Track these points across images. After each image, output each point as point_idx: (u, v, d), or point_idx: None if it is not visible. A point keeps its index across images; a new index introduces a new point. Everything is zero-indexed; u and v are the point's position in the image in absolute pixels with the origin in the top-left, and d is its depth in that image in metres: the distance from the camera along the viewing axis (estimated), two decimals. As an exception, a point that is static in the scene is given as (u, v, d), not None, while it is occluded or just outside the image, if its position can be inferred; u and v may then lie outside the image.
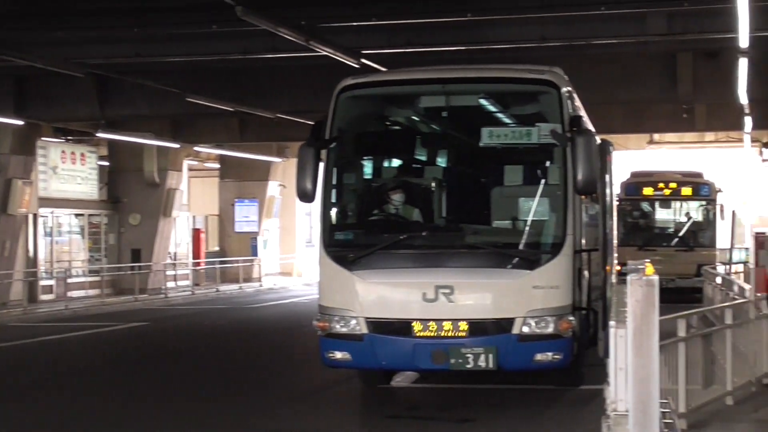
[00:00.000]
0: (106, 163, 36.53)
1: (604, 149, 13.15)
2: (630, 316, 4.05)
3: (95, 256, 35.19)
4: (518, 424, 11.25)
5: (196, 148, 37.36)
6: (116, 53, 21.70)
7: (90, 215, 34.99)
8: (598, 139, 13.25)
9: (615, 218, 20.37)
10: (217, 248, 42.59)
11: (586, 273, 12.89)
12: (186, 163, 38.67)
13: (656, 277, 4.23)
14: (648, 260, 5.24)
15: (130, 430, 11.33)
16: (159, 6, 19.43)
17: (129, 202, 35.66)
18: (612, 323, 5.70)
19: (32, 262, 31.64)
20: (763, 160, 38.08)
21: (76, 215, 34.38)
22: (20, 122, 27.31)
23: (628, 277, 4.14)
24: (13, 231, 30.38)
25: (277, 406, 12.61)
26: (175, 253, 39.02)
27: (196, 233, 41.38)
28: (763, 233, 34.90)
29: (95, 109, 27.90)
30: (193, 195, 48.37)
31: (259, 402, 12.89)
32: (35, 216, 31.65)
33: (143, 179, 35.35)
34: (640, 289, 4.06)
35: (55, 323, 24.69)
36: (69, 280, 32.39)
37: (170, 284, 35.29)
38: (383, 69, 19.54)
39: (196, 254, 40.47)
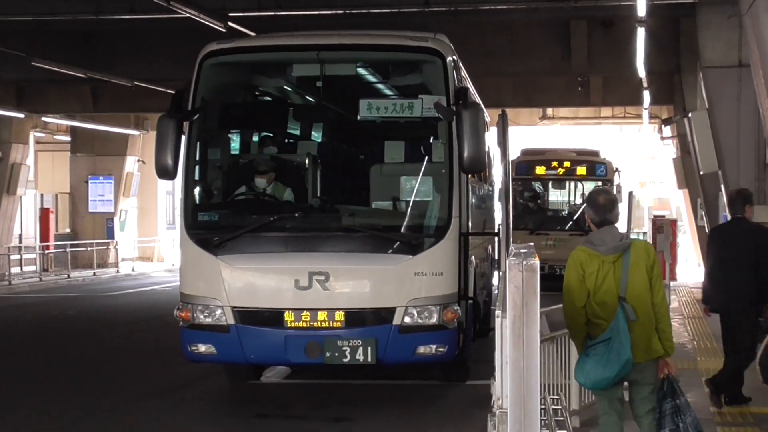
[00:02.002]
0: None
1: (505, 122, 13.15)
2: (509, 303, 4.09)
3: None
4: (398, 423, 11.31)
5: (43, 119, 36.63)
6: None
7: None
8: (486, 111, 13.36)
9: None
10: (68, 230, 41.88)
11: (473, 259, 13.02)
12: (33, 135, 37.85)
13: (537, 262, 4.27)
14: (531, 244, 5.29)
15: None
16: (1, -41, 19.03)
17: (-33, 178, 34.84)
18: (498, 312, 5.74)
19: None
20: (662, 139, 38.82)
21: None
22: None
23: (507, 261, 4.18)
24: None
25: (131, 404, 12.46)
26: (20, 235, 38.30)
27: (44, 213, 40.60)
28: (662, 216, 35.89)
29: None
30: (41, 171, 47.43)
31: (112, 400, 12.71)
32: None
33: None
34: (519, 274, 4.09)
35: None
36: None
37: (15, 270, 34.60)
38: (252, 33, 19.40)
39: (44, 237, 39.73)
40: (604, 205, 7.55)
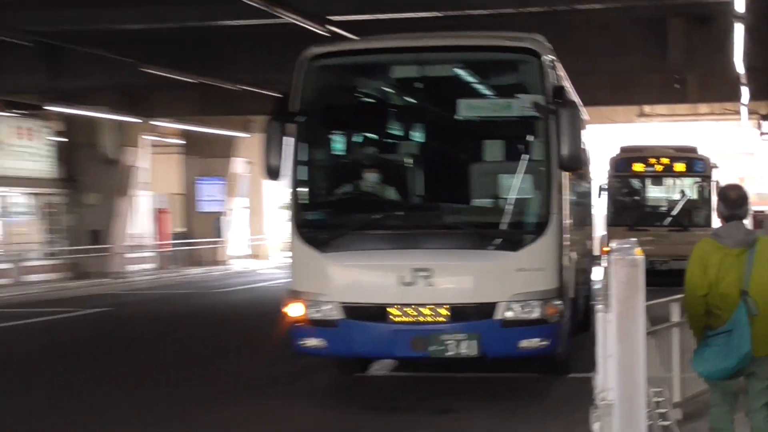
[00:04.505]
0: (66, 140, 36.19)
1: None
2: (614, 299, 4.01)
3: (54, 238, 34.99)
4: (501, 414, 11.23)
5: (154, 123, 37.15)
6: (66, 19, 21.39)
7: (46, 194, 34.74)
8: (584, 109, 13.20)
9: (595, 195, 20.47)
10: (183, 229, 42.46)
11: (573, 254, 12.89)
12: (148, 139, 38.41)
13: (641, 257, 4.17)
14: (634, 239, 5.20)
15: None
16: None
17: (85, 180, 35.37)
18: (599, 308, 5.67)
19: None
20: (762, 134, 38.06)
21: (33, 194, 34.14)
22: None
23: (611, 258, 4.09)
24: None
25: (245, 394, 12.61)
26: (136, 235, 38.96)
27: (160, 213, 41.23)
28: (762, 211, 35.20)
29: (42, 80, 27.46)
30: (157, 173, 48.17)
31: (226, 390, 12.87)
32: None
33: (99, 156, 35.06)
34: (623, 270, 4.02)
35: (7, 309, 24.53)
36: (26, 264, 32.13)
37: (134, 267, 35.17)
38: (354, 37, 19.41)
39: (161, 235, 40.34)
40: (735, 200, 7.63)
